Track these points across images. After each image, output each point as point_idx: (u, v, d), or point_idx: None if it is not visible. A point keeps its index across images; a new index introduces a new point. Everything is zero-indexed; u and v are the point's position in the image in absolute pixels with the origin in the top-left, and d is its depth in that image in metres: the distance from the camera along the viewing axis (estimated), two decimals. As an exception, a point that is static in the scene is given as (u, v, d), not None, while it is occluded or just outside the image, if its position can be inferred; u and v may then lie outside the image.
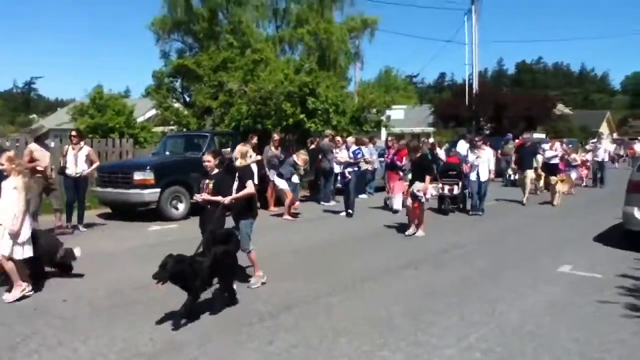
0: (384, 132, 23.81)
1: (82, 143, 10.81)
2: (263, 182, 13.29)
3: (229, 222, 6.61)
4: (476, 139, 13.61)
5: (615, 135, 58.14)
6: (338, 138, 14.33)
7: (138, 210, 12.04)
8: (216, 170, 6.33)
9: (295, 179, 12.73)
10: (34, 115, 59.17)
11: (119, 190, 11.92)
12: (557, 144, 18.07)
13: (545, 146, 18.31)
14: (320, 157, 14.57)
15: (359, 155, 13.39)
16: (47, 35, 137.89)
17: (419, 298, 6.04)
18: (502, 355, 4.44)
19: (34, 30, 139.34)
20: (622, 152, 34.84)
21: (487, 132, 29.59)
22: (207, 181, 6.36)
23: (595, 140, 21.49)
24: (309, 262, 7.77)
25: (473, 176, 12.40)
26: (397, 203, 12.68)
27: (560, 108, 43.14)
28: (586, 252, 8.58)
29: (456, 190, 12.75)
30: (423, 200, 9.69)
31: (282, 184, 12.40)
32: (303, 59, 22.91)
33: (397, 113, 34.50)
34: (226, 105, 18.92)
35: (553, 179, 14.52)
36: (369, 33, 31.80)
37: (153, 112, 25.95)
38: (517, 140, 20.25)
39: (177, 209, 12.00)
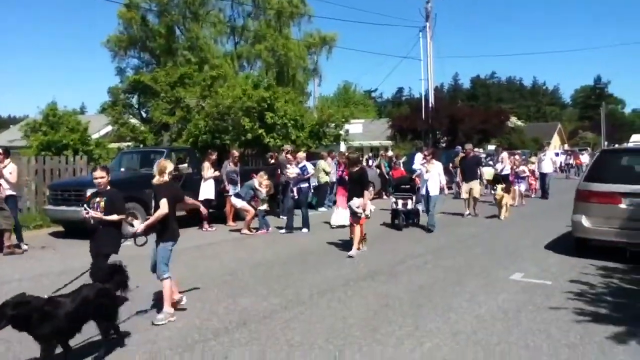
0: (342, 145, 24.02)
1: (6, 161, 10.42)
2: (221, 197, 13.22)
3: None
4: (425, 153, 13.35)
5: (566, 147, 60.07)
6: (289, 155, 13.96)
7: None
8: (109, 188, 5.89)
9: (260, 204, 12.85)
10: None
11: (71, 208, 11.63)
12: (504, 154, 18.07)
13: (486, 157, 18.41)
14: (279, 171, 14.58)
15: (305, 172, 12.81)
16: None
17: (376, 309, 6.08)
18: (455, 363, 4.51)
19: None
20: (571, 162, 35.67)
21: (444, 145, 30.17)
22: (97, 199, 5.85)
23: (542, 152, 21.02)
24: (267, 277, 7.72)
25: (423, 190, 12.18)
26: (334, 218, 12.69)
27: (514, 121, 44.45)
28: (537, 260, 8.80)
29: (410, 205, 12.43)
30: (362, 216, 9.29)
31: (239, 202, 12.38)
32: (261, 74, 23.01)
33: (355, 127, 34.89)
34: (184, 121, 18.80)
35: (498, 193, 14.07)
36: (326, 49, 32.21)
37: (109, 128, 25.50)
38: (460, 153, 20.60)
39: (132, 225, 11.73)
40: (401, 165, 18.20)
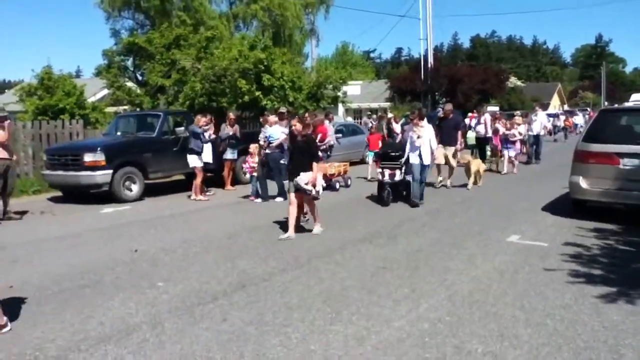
0: (341, 107, 23.85)
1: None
2: (220, 161, 13.18)
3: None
4: (410, 114, 11.67)
5: (566, 107, 59.75)
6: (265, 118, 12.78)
7: (91, 193, 11.78)
8: None
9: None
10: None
11: (69, 173, 11.64)
12: (487, 116, 17.18)
13: (474, 120, 17.58)
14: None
15: (270, 139, 11.53)
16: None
17: (373, 272, 6.13)
18: (450, 324, 4.56)
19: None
20: (559, 124, 34.27)
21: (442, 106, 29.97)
22: None
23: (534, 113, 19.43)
24: (265, 241, 7.76)
25: (414, 158, 10.54)
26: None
27: (513, 81, 44.09)
28: (534, 221, 8.84)
29: (398, 176, 10.70)
30: (313, 193, 7.88)
31: (193, 161, 11.85)
32: (257, 35, 22.62)
33: (353, 89, 34.61)
34: (180, 84, 18.58)
35: (465, 157, 13.11)
36: (324, 9, 31.67)
37: (105, 92, 25.26)
38: (470, 114, 20.30)
39: (130, 190, 11.80)
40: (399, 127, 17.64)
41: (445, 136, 12.86)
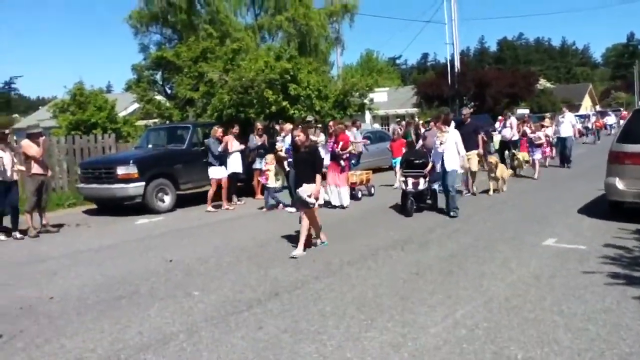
0: (368, 115, 23.81)
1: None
2: (249, 171, 13.29)
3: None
4: (431, 120, 10.64)
5: (598, 107, 58.53)
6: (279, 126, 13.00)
7: (124, 205, 11.99)
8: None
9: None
10: (16, 115, 58.47)
11: (103, 186, 11.87)
12: (512, 119, 16.55)
13: (497, 123, 16.92)
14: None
15: (290, 152, 11.12)
16: (24, 34, 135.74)
17: (406, 278, 6.08)
18: (487, 330, 4.49)
19: (10, 29, 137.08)
20: (589, 125, 32.77)
21: (470, 110, 29.68)
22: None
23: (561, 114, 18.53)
24: (295, 249, 7.76)
25: (438, 167, 10.09)
26: (334, 198, 11.28)
27: (543, 83, 43.44)
28: (570, 224, 8.66)
29: (422, 185, 10.13)
30: (316, 206, 7.58)
31: (213, 171, 12.05)
32: (283, 46, 22.76)
33: (380, 95, 34.56)
34: (208, 96, 18.79)
35: (493, 159, 12.56)
36: (348, 17, 31.64)
37: (135, 105, 25.73)
38: (499, 118, 19.90)
39: (163, 201, 11.98)
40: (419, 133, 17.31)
41: (465, 141, 11.68)
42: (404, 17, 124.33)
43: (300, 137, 7.54)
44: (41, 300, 5.83)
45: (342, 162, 11.32)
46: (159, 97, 22.71)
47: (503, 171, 12.62)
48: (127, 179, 11.51)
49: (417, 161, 10.46)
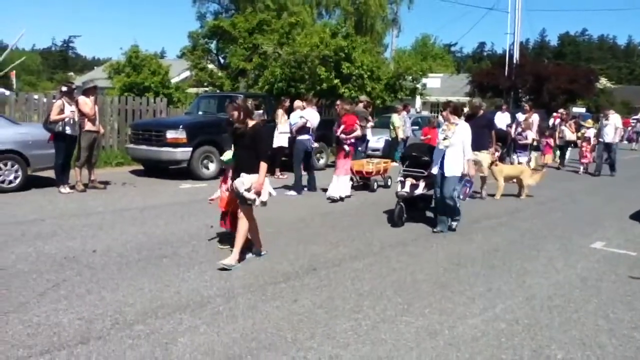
0: (418, 100, 23.46)
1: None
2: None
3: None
4: (443, 111, 8.11)
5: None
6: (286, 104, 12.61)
7: (170, 169, 12.19)
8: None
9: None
10: (72, 73, 60.15)
11: (151, 148, 12.07)
12: (534, 116, 14.61)
13: (520, 116, 14.60)
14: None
15: (292, 126, 11.08)
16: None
17: (447, 267, 5.96)
18: (528, 327, 4.36)
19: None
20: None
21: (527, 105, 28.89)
22: None
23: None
24: (337, 227, 7.74)
25: (435, 169, 7.73)
26: (332, 188, 9.93)
27: (603, 82, 41.74)
28: (621, 229, 8.33)
29: (420, 189, 8.16)
30: (257, 203, 5.83)
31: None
32: (340, 23, 22.55)
33: (433, 81, 33.88)
34: (260, 68, 18.87)
35: (491, 166, 10.66)
36: (407, -1, 31.11)
37: (187, 73, 26.02)
38: (554, 114, 19.13)
39: (207, 168, 12.12)
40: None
41: (476, 139, 9.12)
42: (466, 2, 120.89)
43: (234, 115, 5.86)
44: (85, 253, 5.99)
45: (346, 147, 10.03)
46: (211, 66, 22.93)
47: (523, 173, 10.97)
48: (175, 144, 11.67)
49: (422, 158, 8.34)
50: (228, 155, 6.30)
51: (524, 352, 3.91)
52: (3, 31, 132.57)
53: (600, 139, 15.32)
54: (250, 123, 5.88)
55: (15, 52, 23.33)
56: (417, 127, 16.70)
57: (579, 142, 16.72)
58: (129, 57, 19.57)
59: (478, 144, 9.68)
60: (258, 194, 5.79)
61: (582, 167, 15.84)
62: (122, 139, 14.92)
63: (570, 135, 17.23)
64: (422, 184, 8.17)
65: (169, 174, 12.08)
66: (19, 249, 6.02)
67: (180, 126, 11.96)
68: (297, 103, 11.70)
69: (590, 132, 16.13)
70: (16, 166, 9.70)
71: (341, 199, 9.84)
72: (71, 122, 9.69)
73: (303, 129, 10.79)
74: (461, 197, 7.73)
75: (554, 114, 19.09)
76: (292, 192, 10.55)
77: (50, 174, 10.22)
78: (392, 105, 18.99)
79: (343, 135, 10.01)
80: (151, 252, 6.11)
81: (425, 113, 32.32)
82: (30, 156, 9.86)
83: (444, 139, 7.64)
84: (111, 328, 4.04)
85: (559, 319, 4.57)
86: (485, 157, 10.31)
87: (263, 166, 5.78)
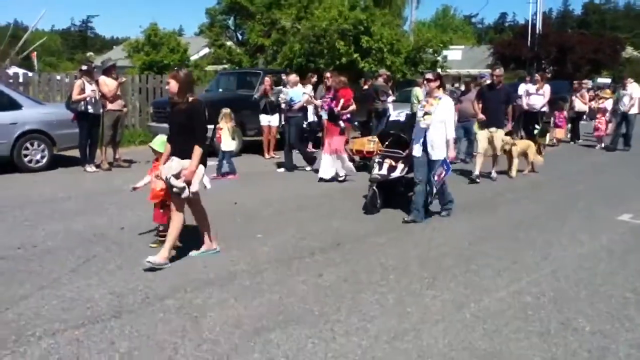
0: (440, 72, 23.14)
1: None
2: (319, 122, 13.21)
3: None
4: (428, 76, 6.95)
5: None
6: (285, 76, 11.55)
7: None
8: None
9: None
10: (91, 53, 60.43)
11: (173, 126, 12.11)
12: (547, 87, 13.37)
13: (530, 87, 13.59)
14: (373, 97, 14.28)
15: (293, 102, 10.38)
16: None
17: (471, 241, 5.95)
18: (554, 300, 4.35)
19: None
20: None
21: (549, 75, 28.33)
22: None
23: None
24: (361, 202, 7.73)
25: (417, 149, 6.79)
26: (324, 169, 9.22)
27: (630, 51, 40.66)
28: (649, 201, 8.21)
29: (398, 172, 7.26)
30: (185, 194, 4.93)
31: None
32: (358, -5, 22.25)
33: (454, 53, 33.39)
34: (279, 44, 18.75)
35: (505, 139, 9.65)
36: (427, -31, 30.46)
37: (206, 50, 26.04)
38: (574, 85, 18.41)
39: (228, 145, 12.13)
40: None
41: (492, 114, 9.34)
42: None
43: (171, 85, 5.03)
44: (112, 229, 6.11)
45: (341, 124, 9.32)
46: (229, 43, 22.87)
47: (527, 147, 10.35)
48: (196, 121, 11.69)
49: (404, 137, 7.40)
50: (159, 140, 5.53)
51: (551, 324, 3.92)
52: (23, 12, 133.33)
53: (618, 110, 14.44)
54: (190, 98, 5.07)
55: (35, 33, 23.49)
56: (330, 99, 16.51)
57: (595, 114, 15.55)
58: (147, 35, 19.64)
59: (494, 120, 9.29)
60: (188, 183, 4.93)
61: (599, 143, 14.83)
62: (143, 117, 15.03)
63: (580, 105, 16.07)
64: (400, 166, 7.28)
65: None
66: (49, 227, 6.16)
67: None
68: (293, 78, 10.77)
69: (608, 103, 15.16)
70: (42, 146, 9.87)
71: (337, 180, 9.08)
72: (93, 101, 9.78)
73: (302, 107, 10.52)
74: (436, 179, 6.76)
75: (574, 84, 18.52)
76: (309, 167, 10.43)
77: (75, 153, 10.37)
78: (412, 79, 18.79)
79: (341, 111, 9.24)
80: (177, 228, 6.18)
81: (447, 86, 31.96)
82: (56, 136, 10.02)
83: (425, 115, 6.68)
84: (142, 302, 4.14)
85: (586, 292, 4.55)
86: (500, 134, 9.47)
87: (197, 151, 4.93)
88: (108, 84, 10.06)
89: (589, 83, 20.32)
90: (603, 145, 14.65)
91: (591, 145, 15.26)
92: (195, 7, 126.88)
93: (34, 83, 13.98)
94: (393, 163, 7.29)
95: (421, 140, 6.72)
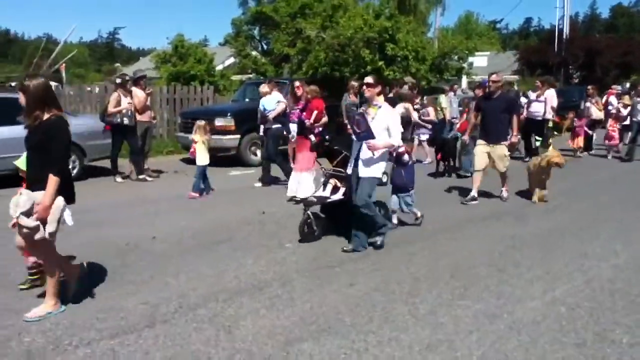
0: (464, 80, 22.99)
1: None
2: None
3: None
4: (367, 80, 5.87)
5: None
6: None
7: (218, 156, 12.37)
8: None
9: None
10: (118, 64, 61.53)
11: (201, 136, 12.26)
12: (550, 92, 12.69)
13: (530, 94, 13.10)
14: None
15: (267, 112, 9.60)
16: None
17: (502, 250, 5.88)
18: (589, 311, 4.27)
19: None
20: None
21: (576, 80, 27.93)
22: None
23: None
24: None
25: (349, 168, 5.98)
26: (294, 187, 8.34)
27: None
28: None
29: (340, 194, 6.28)
30: (40, 235, 3.95)
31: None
32: (382, 4, 22.25)
33: (480, 60, 33.11)
34: (304, 53, 18.81)
35: (551, 153, 8.43)
36: (452, -24, 30.38)
37: (231, 60, 26.32)
38: (609, 90, 18.15)
39: (255, 155, 12.26)
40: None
41: (490, 125, 8.13)
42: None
43: (20, 100, 4.09)
44: (145, 239, 6.19)
45: (312, 138, 8.42)
46: (254, 53, 23.07)
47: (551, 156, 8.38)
48: (224, 131, 11.84)
49: (346, 153, 6.27)
50: (22, 159, 4.42)
51: (587, 335, 3.84)
52: (53, 26, 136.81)
53: (634, 118, 13.21)
54: (45, 116, 4.02)
55: (65, 46, 24.03)
56: (461, 108, 16.40)
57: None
58: (175, 46, 19.92)
59: (493, 132, 8.06)
60: (43, 222, 3.92)
61: (609, 152, 13.71)
62: (171, 127, 15.24)
63: (597, 113, 14.64)
64: (342, 189, 6.27)
65: (217, 161, 12.25)
66: (82, 236, 6.24)
67: (228, 114, 12.14)
68: (263, 88, 9.93)
69: (624, 110, 13.98)
70: (73, 156, 10.06)
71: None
72: (129, 113, 9.96)
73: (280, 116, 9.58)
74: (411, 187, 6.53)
75: (609, 89, 18.22)
76: (257, 184, 9.71)
77: (104, 163, 10.56)
78: (437, 86, 18.68)
79: (313, 124, 8.51)
80: (207, 238, 6.25)
81: (472, 93, 31.72)
82: (87, 147, 10.22)
83: (368, 119, 5.66)
84: (175, 312, 4.18)
85: (622, 303, 4.46)
86: (501, 150, 8.11)
87: (52, 180, 3.91)
88: (138, 95, 10.23)
89: (618, 88, 20.00)
90: (615, 154, 13.69)
91: (603, 155, 13.97)
92: (220, 17, 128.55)
93: (65, 95, 14.28)
94: (338, 183, 6.36)
95: (357, 153, 5.80)
